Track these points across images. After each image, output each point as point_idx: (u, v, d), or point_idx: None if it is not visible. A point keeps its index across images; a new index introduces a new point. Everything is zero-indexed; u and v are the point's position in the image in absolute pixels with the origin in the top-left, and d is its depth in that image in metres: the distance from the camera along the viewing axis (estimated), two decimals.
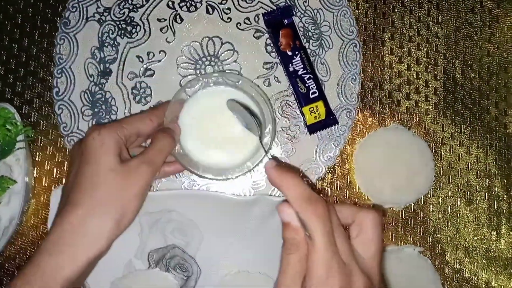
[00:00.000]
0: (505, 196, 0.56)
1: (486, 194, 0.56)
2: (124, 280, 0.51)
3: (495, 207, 0.56)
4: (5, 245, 0.49)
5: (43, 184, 0.53)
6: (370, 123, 0.57)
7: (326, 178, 0.56)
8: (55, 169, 0.54)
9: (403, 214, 0.56)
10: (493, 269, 0.55)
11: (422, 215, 0.56)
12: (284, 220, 0.34)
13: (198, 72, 0.55)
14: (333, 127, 0.55)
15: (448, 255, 0.55)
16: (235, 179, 0.52)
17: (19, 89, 0.55)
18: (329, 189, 0.55)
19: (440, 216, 0.56)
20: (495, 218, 0.56)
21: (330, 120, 0.55)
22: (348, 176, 0.56)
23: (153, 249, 0.52)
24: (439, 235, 0.55)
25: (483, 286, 0.55)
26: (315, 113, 0.55)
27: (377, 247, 0.35)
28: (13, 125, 0.46)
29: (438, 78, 0.58)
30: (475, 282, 0.55)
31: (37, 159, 0.54)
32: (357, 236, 0.36)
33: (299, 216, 0.33)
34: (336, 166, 0.56)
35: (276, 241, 0.51)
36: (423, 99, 0.57)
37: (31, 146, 0.53)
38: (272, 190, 0.53)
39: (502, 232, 0.56)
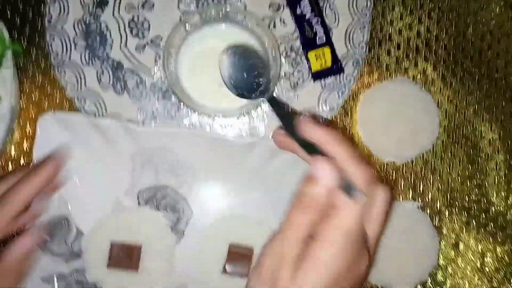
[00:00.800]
0: (507, 156, 0.55)
1: (490, 154, 0.55)
2: (112, 217, 0.49)
3: (498, 169, 0.55)
4: None
5: (30, 115, 0.51)
6: (376, 75, 0.54)
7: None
8: (43, 100, 0.51)
9: (404, 169, 0.54)
10: (489, 232, 0.54)
11: (423, 171, 0.54)
12: (321, 176, 0.30)
13: (200, 10, 0.52)
14: (338, 76, 0.53)
15: (447, 213, 0.54)
16: (234, 120, 0.50)
17: (9, 15, 0.51)
18: None
19: (441, 173, 0.54)
20: (495, 179, 0.55)
21: (336, 68, 0.53)
22: (351, 128, 0.54)
23: (144, 187, 0.50)
24: (438, 193, 0.54)
25: (480, 249, 0.54)
26: (321, 59, 0.52)
27: (382, 225, 0.32)
28: (0, 40, 0.42)
29: (448, 32, 0.55)
30: (470, 244, 0.54)
31: (25, 89, 0.51)
32: (366, 212, 0.31)
33: (344, 176, 0.30)
34: (338, 116, 0.54)
35: (272, 187, 0.50)
36: (432, 53, 0.55)
37: (19, 73, 0.50)
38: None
39: (500, 193, 0.55)
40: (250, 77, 0.40)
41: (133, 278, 0.48)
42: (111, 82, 0.51)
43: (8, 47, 0.44)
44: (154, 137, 0.48)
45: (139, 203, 0.50)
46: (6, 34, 0.45)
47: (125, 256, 0.48)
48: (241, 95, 0.41)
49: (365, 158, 0.29)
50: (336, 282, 0.29)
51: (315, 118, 0.33)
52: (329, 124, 0.46)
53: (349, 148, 0.31)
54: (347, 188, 0.29)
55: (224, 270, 0.48)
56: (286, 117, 0.36)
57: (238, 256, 0.48)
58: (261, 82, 0.40)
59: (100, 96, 0.51)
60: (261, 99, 0.40)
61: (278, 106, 0.38)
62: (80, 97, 0.51)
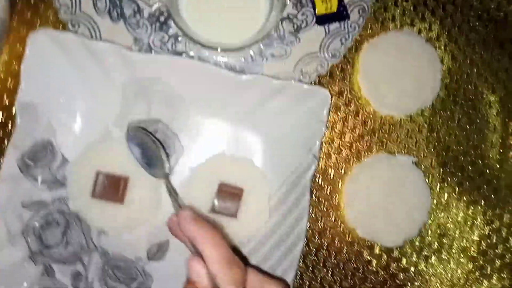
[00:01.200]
0: (507, 120, 0.54)
1: (489, 118, 0.54)
2: (98, 144, 0.47)
3: (496, 132, 0.54)
4: None
5: (21, 34, 0.48)
6: (382, 25, 0.53)
7: (327, 77, 0.52)
8: (35, 20, 0.49)
9: (402, 123, 0.53)
10: (481, 194, 0.54)
11: (418, 127, 0.53)
12: (192, 278, 0.31)
13: None
14: (343, 22, 0.52)
15: (441, 171, 0.53)
16: (234, 54, 0.48)
17: None
18: (329, 88, 0.52)
19: (439, 131, 0.53)
20: (492, 142, 0.54)
21: (341, 13, 0.51)
22: (352, 77, 0.52)
23: (135, 119, 0.48)
24: (434, 151, 0.53)
25: (470, 212, 0.54)
26: (326, 3, 0.51)
27: None
28: None
29: None
30: (461, 206, 0.54)
31: (17, 6, 0.48)
32: None
33: (214, 279, 0.30)
34: (339, 65, 0.52)
35: (267, 128, 0.48)
36: (441, 8, 0.54)
37: None
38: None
39: (496, 156, 0.54)
40: (145, 156, 0.45)
41: (117, 210, 0.47)
42: (107, 8, 0.49)
43: None
44: (150, 65, 0.46)
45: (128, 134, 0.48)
46: None
47: (111, 187, 0.46)
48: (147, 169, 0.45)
49: (237, 262, 0.31)
50: None
51: (196, 214, 0.34)
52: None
53: (221, 250, 0.31)
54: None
55: (213, 208, 0.47)
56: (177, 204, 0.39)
57: (228, 195, 0.47)
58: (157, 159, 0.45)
59: (95, 22, 0.49)
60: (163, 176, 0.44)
61: (171, 191, 0.41)
62: (74, 21, 0.49)
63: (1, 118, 0.48)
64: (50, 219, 0.47)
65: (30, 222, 0.46)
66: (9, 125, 0.48)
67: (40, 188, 0.47)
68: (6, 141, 0.48)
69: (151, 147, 0.45)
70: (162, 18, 0.50)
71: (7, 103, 0.48)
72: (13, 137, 0.44)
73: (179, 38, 0.50)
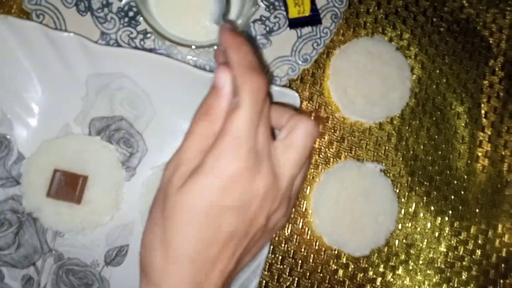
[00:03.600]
0: (474, 131, 0.55)
1: (457, 127, 0.55)
2: (56, 140, 0.45)
3: (464, 142, 0.55)
4: None
5: None
6: (353, 31, 0.53)
7: (297, 81, 0.52)
8: None
9: (370, 131, 0.53)
10: (448, 205, 0.54)
11: (387, 135, 0.53)
12: (218, 84, 0.31)
13: None
14: (315, 27, 0.51)
15: (409, 180, 0.53)
16: (201, 52, 0.47)
17: None
18: (299, 91, 0.51)
19: (407, 139, 0.53)
20: (460, 152, 0.54)
21: (314, 18, 0.51)
22: (322, 82, 0.52)
23: (97, 116, 0.46)
24: (402, 159, 0.53)
25: (438, 222, 0.54)
26: (299, 6, 0.50)
27: (298, 156, 0.32)
28: None
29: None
30: (428, 216, 0.53)
31: None
32: (283, 139, 0.32)
33: (235, 82, 0.30)
34: (310, 70, 0.52)
35: None
36: (412, 17, 0.54)
37: None
38: None
39: (464, 167, 0.54)
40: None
41: (74, 210, 0.44)
42: (74, 0, 0.47)
43: None
44: (115, 60, 0.44)
45: (90, 132, 0.46)
46: None
47: (68, 186, 0.44)
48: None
49: (261, 72, 0.29)
50: (226, 190, 0.28)
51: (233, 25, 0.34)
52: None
53: (247, 56, 0.30)
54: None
55: None
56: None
57: None
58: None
59: (61, 13, 0.47)
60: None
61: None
62: (38, 11, 0.47)
63: None
64: (1, 219, 0.44)
65: None
66: None
67: None
68: None
69: None
70: (131, 13, 0.48)
71: None
72: None
73: (148, 35, 0.48)
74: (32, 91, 0.45)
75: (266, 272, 0.50)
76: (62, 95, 0.45)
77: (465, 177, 0.54)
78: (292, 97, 0.46)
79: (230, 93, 0.30)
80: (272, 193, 0.31)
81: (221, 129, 0.29)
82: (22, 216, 0.45)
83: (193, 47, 0.45)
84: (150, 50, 0.48)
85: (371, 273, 0.52)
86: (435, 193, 0.54)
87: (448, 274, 0.53)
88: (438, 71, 0.54)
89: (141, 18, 0.47)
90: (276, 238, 0.50)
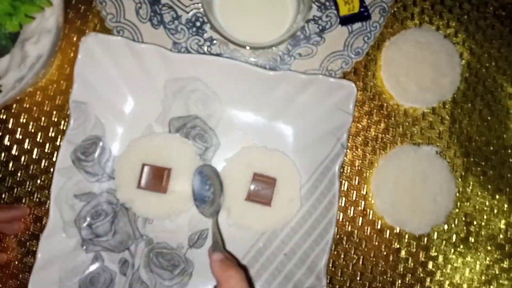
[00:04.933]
0: None
1: (509, 108, 0.56)
2: (142, 139, 0.51)
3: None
4: (28, 82, 0.48)
5: (72, 40, 0.53)
6: (402, 23, 0.56)
7: (351, 74, 0.55)
8: (85, 28, 0.54)
9: (425, 115, 0.56)
10: (504, 182, 0.56)
11: (443, 118, 0.56)
12: None
13: None
14: (365, 22, 0.55)
15: (465, 161, 0.55)
16: (263, 52, 0.52)
17: None
18: (354, 82, 0.55)
19: (461, 122, 0.56)
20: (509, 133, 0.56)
21: (363, 14, 0.55)
22: (375, 73, 0.56)
23: (175, 116, 0.52)
24: (457, 141, 0.55)
25: (495, 201, 0.56)
26: (349, 4, 0.54)
27: None
28: None
29: None
30: (485, 194, 0.56)
31: (69, 16, 0.54)
32: None
33: None
34: (363, 62, 0.56)
35: (296, 120, 0.52)
36: (458, 6, 0.57)
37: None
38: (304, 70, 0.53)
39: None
40: (205, 191, 0.50)
41: (160, 199, 0.50)
42: (148, 16, 0.54)
43: None
44: (187, 65, 0.50)
45: (169, 130, 0.52)
46: None
47: (155, 178, 0.50)
48: (197, 205, 0.50)
49: None
50: None
51: (225, 259, 0.41)
52: None
53: None
54: None
55: (248, 197, 0.50)
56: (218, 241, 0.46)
57: (262, 184, 0.50)
58: (211, 199, 0.49)
59: (138, 28, 0.54)
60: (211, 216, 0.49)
61: (216, 231, 0.47)
62: (118, 27, 0.53)
63: (55, 117, 0.53)
64: (99, 210, 0.51)
65: (82, 212, 0.50)
66: (62, 124, 0.53)
67: (90, 180, 0.51)
68: (59, 138, 0.53)
69: (212, 184, 0.49)
70: (198, 23, 0.54)
71: (60, 103, 0.53)
72: (67, 133, 0.49)
73: (214, 41, 0.54)
74: (120, 98, 0.51)
75: (333, 251, 0.53)
76: (144, 99, 0.52)
77: None
78: (349, 87, 0.50)
79: None
80: None
81: None
82: (116, 206, 0.51)
83: (247, 48, 0.50)
84: (217, 55, 0.53)
85: (433, 250, 0.54)
86: (491, 172, 0.56)
87: (508, 249, 0.55)
88: (486, 55, 0.57)
89: (207, 26, 0.53)
90: (340, 221, 0.54)
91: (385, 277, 0.54)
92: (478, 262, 0.55)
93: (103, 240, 0.51)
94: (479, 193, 0.55)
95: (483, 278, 0.54)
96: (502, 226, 0.56)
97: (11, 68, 0.46)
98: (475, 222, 0.55)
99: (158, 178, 0.50)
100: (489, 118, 0.56)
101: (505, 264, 0.55)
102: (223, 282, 0.39)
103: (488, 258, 0.55)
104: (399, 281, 0.54)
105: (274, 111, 0.52)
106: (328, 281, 0.52)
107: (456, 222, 0.55)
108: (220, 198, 0.49)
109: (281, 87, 0.51)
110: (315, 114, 0.51)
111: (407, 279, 0.54)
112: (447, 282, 0.54)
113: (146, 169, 0.50)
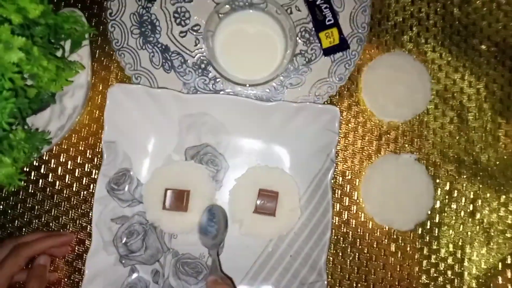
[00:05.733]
0: (492, 115, 0.65)
1: (476, 114, 0.65)
2: (163, 168, 0.60)
3: (484, 126, 0.65)
4: (68, 129, 0.58)
5: (98, 89, 0.63)
6: (377, 49, 0.65)
7: (336, 96, 0.65)
8: (108, 77, 0.64)
9: (402, 128, 0.64)
10: (478, 180, 0.64)
11: (419, 129, 0.64)
12: None
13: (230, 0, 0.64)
14: (345, 52, 0.64)
15: (441, 164, 0.64)
16: (260, 87, 0.62)
17: (79, 9, 0.64)
18: (339, 105, 0.64)
19: (435, 130, 0.64)
20: (483, 135, 0.65)
21: (343, 45, 0.64)
22: (356, 94, 0.65)
23: (189, 146, 0.62)
24: (433, 147, 0.64)
25: (471, 195, 0.64)
26: (330, 38, 0.63)
27: None
28: (81, 24, 0.55)
29: (438, 12, 0.66)
30: (463, 191, 0.64)
31: (94, 68, 0.64)
32: None
33: None
34: (346, 86, 0.65)
35: (291, 142, 0.61)
36: (425, 30, 0.66)
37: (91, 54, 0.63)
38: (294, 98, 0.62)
39: (489, 149, 0.64)
40: (210, 227, 0.59)
41: (183, 217, 0.60)
42: (160, 62, 0.64)
43: (87, 30, 0.56)
44: (197, 103, 0.60)
45: (186, 158, 0.62)
46: (84, 20, 0.58)
47: (177, 199, 0.59)
48: (200, 237, 0.59)
49: None
50: None
51: (222, 278, 0.52)
52: None
53: None
54: None
55: (256, 210, 0.59)
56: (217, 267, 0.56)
57: (267, 198, 0.59)
58: (213, 234, 0.59)
59: (153, 74, 0.63)
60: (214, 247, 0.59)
61: (215, 259, 0.57)
62: (136, 75, 0.63)
63: (89, 155, 0.63)
64: (132, 230, 0.61)
65: (118, 232, 0.60)
66: (95, 160, 0.63)
67: (123, 205, 0.60)
68: (94, 172, 0.63)
69: (217, 222, 0.59)
70: (203, 65, 0.64)
71: (92, 142, 0.63)
72: (101, 168, 0.58)
73: (217, 79, 0.63)
74: (143, 134, 0.61)
75: (332, 251, 0.62)
76: (163, 134, 0.61)
77: (490, 155, 0.64)
78: (333, 111, 0.59)
79: None
80: None
81: None
82: (146, 226, 0.61)
83: (247, 85, 0.59)
84: (220, 91, 0.63)
85: (418, 243, 0.63)
86: (464, 171, 0.64)
87: (483, 239, 0.63)
88: (452, 69, 0.65)
89: (211, 67, 0.63)
90: (336, 224, 0.63)
91: (379, 269, 0.62)
92: (459, 249, 0.63)
93: (137, 255, 0.61)
94: (456, 191, 0.64)
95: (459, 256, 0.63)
96: (478, 217, 0.64)
97: (52, 119, 0.56)
98: (453, 216, 0.63)
99: (179, 199, 0.59)
100: (460, 124, 0.65)
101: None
102: None
103: (468, 246, 0.63)
104: (391, 273, 0.62)
105: (272, 135, 0.61)
106: (330, 277, 0.61)
107: (437, 217, 0.63)
108: (223, 234, 0.60)
109: (276, 115, 0.60)
110: (307, 135, 0.61)
111: (398, 269, 0.62)
112: (432, 270, 0.63)
113: (168, 193, 0.59)
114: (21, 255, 0.56)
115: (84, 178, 0.63)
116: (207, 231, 0.59)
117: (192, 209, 0.60)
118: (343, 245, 0.63)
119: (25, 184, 0.63)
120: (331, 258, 0.63)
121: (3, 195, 0.63)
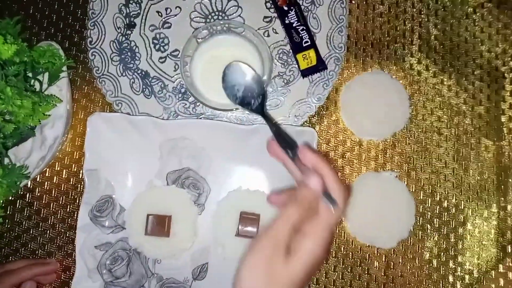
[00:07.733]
0: (472, 130, 0.66)
1: (456, 130, 0.65)
2: (145, 193, 0.61)
3: (464, 141, 0.65)
4: (49, 159, 0.59)
5: (79, 117, 0.64)
6: (354, 68, 0.66)
7: (316, 116, 0.65)
8: (89, 105, 0.65)
9: (382, 146, 0.65)
10: (462, 194, 0.64)
11: (398, 147, 0.65)
12: (314, 186, 0.41)
13: (207, 25, 0.65)
14: (323, 72, 0.65)
15: (421, 181, 0.64)
16: (238, 111, 0.63)
17: (59, 39, 0.65)
18: (318, 125, 0.65)
19: (414, 148, 0.65)
20: (463, 150, 0.65)
21: (320, 65, 0.64)
22: (335, 114, 0.65)
23: (171, 171, 0.62)
24: (413, 164, 0.65)
25: (453, 209, 0.64)
26: (307, 59, 0.64)
27: None
28: (58, 57, 0.56)
29: (414, 30, 0.67)
30: (445, 205, 0.64)
31: (75, 96, 0.65)
32: None
33: (329, 193, 0.41)
34: (325, 105, 0.65)
35: (271, 165, 0.61)
36: (402, 48, 0.66)
37: (71, 84, 0.64)
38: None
39: (469, 163, 0.65)
40: (244, 91, 0.55)
41: (165, 242, 0.60)
42: (141, 88, 0.64)
43: (64, 63, 0.57)
44: (177, 128, 0.61)
45: (167, 183, 0.62)
46: (61, 52, 0.59)
47: (159, 225, 0.60)
48: (240, 104, 0.55)
49: (344, 181, 0.41)
50: (313, 268, 0.39)
51: (311, 148, 0.46)
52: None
53: (334, 173, 0.42)
54: (328, 199, 0.41)
55: (238, 233, 0.60)
56: (277, 130, 0.49)
57: (248, 220, 0.60)
58: (252, 97, 0.55)
59: (133, 100, 0.64)
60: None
61: (270, 121, 0.51)
62: (117, 101, 0.64)
63: (73, 181, 0.64)
64: (116, 256, 0.61)
65: (102, 259, 0.61)
66: (79, 187, 0.64)
67: (106, 232, 0.61)
68: (78, 199, 0.63)
69: (237, 79, 0.54)
70: (182, 90, 0.65)
71: (75, 170, 0.64)
72: (83, 196, 0.59)
73: (197, 104, 0.64)
74: (124, 161, 0.62)
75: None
76: (144, 159, 0.62)
77: (472, 169, 0.65)
78: (310, 132, 0.60)
79: (320, 194, 0.41)
80: None
81: (315, 220, 0.40)
82: (130, 252, 0.62)
83: (226, 109, 0.60)
84: (200, 115, 0.64)
85: (400, 260, 0.63)
86: (446, 186, 0.65)
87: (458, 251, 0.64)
88: (430, 88, 0.66)
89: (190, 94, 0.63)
90: None
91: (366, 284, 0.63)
92: (443, 266, 0.64)
93: (122, 281, 0.61)
94: (438, 207, 0.64)
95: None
96: (462, 231, 0.64)
97: (34, 149, 0.56)
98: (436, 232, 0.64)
99: (161, 224, 0.60)
100: (439, 140, 0.65)
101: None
102: (321, 164, 0.41)
103: (452, 261, 0.64)
104: None
105: (252, 158, 0.62)
106: None
107: (420, 234, 0.64)
108: (264, 91, 0.53)
109: (257, 138, 0.61)
110: None
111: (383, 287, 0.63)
112: (425, 281, 0.63)
113: (150, 218, 0.60)
114: (6, 283, 0.56)
115: (69, 206, 0.64)
116: (242, 100, 0.54)
117: (174, 234, 0.60)
118: (327, 265, 0.63)
119: (10, 213, 0.63)
120: (315, 278, 0.63)
121: None
